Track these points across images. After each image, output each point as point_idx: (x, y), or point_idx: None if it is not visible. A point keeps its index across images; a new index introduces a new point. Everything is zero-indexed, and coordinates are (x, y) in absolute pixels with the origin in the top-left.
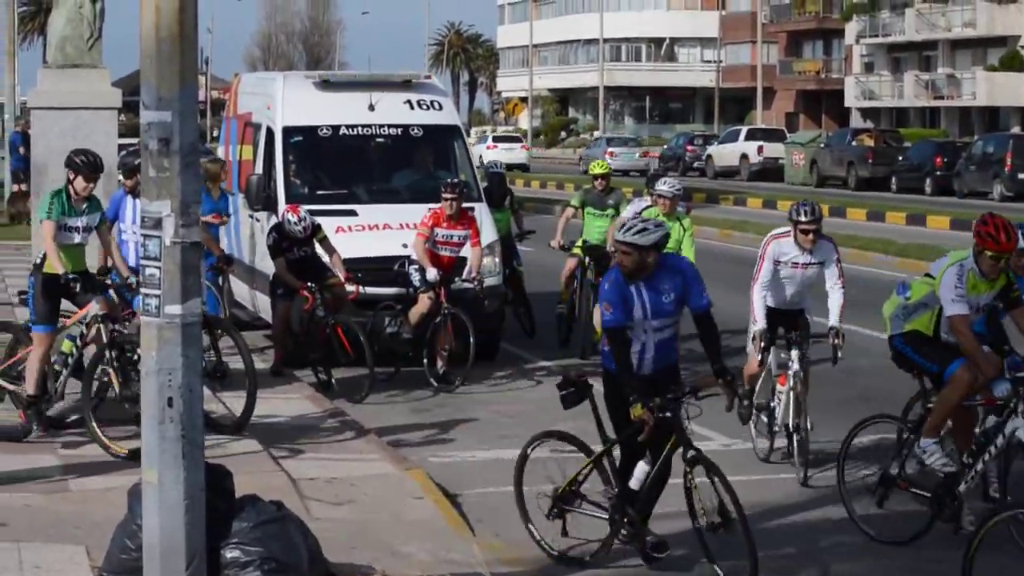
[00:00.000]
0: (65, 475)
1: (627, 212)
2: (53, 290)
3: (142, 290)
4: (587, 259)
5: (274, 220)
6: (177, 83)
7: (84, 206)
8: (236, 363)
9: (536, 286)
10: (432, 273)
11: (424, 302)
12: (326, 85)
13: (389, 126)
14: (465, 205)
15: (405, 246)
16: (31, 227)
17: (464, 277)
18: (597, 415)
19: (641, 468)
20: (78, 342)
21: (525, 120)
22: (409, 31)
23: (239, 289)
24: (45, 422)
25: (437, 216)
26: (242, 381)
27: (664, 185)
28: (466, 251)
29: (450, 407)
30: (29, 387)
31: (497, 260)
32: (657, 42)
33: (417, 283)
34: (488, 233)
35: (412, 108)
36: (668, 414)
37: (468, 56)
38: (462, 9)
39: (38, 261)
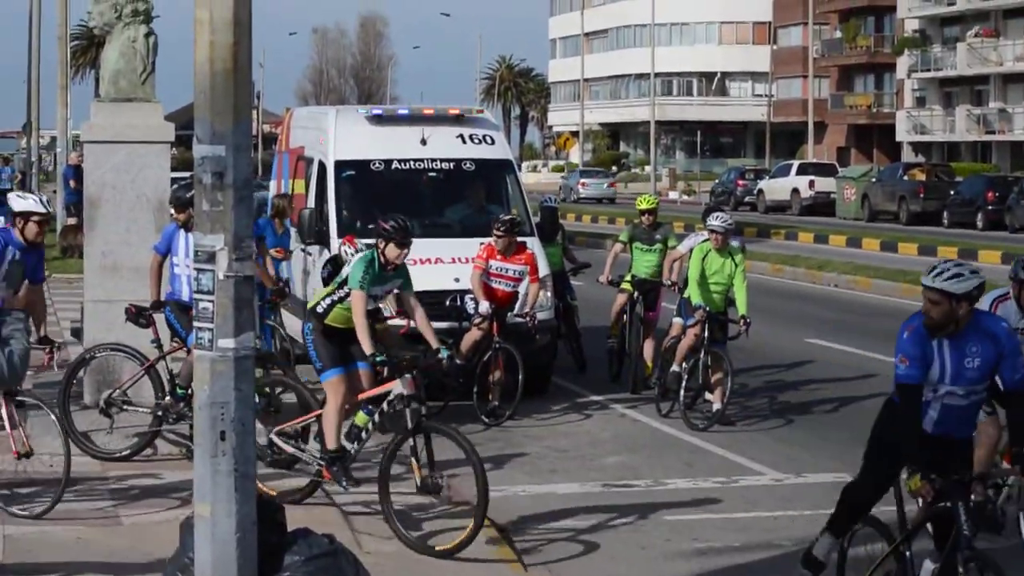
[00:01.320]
0: (117, 509)
1: (682, 247)
2: (331, 333)
3: (195, 324)
4: (636, 294)
5: (326, 254)
6: (231, 117)
7: (391, 273)
8: (288, 397)
9: (587, 320)
10: (485, 306)
11: (476, 331)
12: (378, 119)
13: (441, 160)
14: (518, 239)
15: (457, 280)
16: (83, 260)
17: (517, 312)
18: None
19: (926, 568)
20: (375, 417)
21: (576, 154)
22: (460, 65)
23: (291, 323)
24: (353, 478)
25: (492, 249)
26: (294, 415)
27: (716, 220)
28: (522, 285)
29: (501, 441)
30: (330, 442)
31: (549, 295)
32: (708, 76)
33: (472, 312)
34: (541, 267)
35: (464, 142)
36: (949, 502)
37: (519, 90)
38: (514, 43)
39: (319, 309)
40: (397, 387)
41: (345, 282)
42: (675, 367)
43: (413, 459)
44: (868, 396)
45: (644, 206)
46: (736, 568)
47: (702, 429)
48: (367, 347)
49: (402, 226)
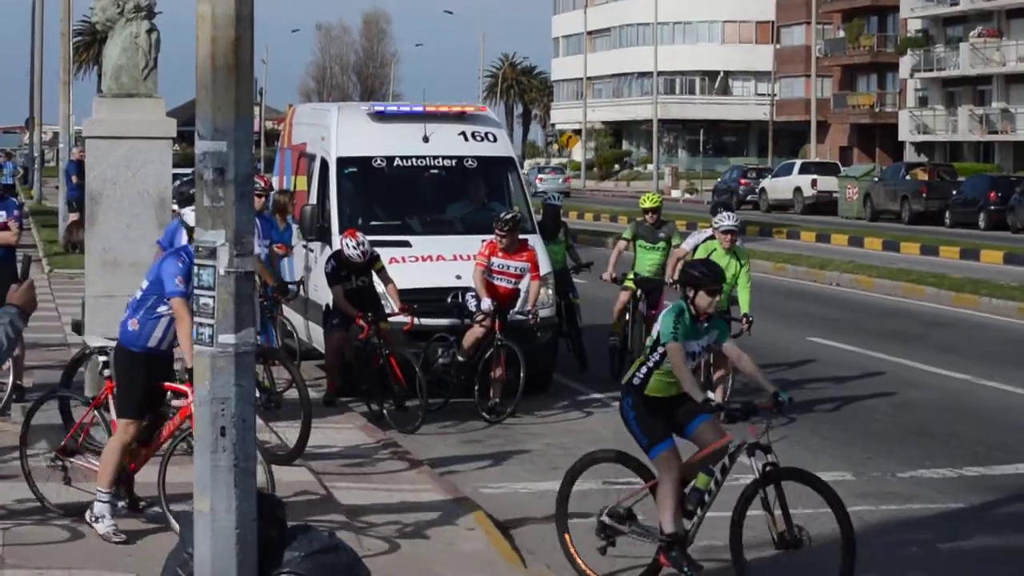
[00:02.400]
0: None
1: (686, 244)
2: (654, 404)
3: (196, 319)
4: (639, 291)
5: (328, 251)
6: (232, 113)
7: (705, 324)
8: (290, 393)
9: (589, 318)
10: (487, 303)
11: (478, 328)
12: (381, 116)
13: (443, 157)
14: (520, 237)
15: (459, 277)
16: (84, 256)
17: (518, 309)
18: None
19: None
20: (718, 476)
21: (579, 152)
22: (463, 63)
23: (292, 319)
24: (695, 562)
25: (494, 246)
26: (295, 411)
27: (726, 220)
28: (523, 283)
29: (502, 438)
30: (667, 524)
31: (550, 292)
32: (711, 75)
33: (473, 308)
34: (543, 265)
35: (466, 140)
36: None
37: (522, 88)
38: (517, 42)
39: (635, 382)
40: (734, 441)
41: (656, 345)
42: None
43: (767, 512)
44: (869, 395)
45: (648, 204)
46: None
47: None
48: (697, 396)
49: (712, 272)
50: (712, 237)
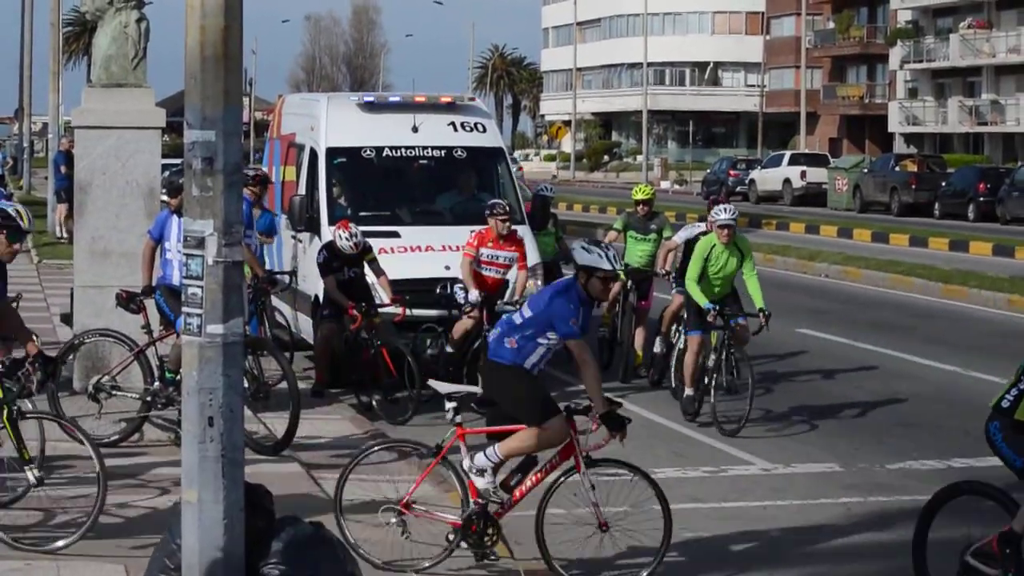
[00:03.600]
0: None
1: (677, 238)
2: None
3: (184, 309)
4: (629, 282)
5: (317, 241)
6: (221, 102)
7: None
8: (280, 384)
9: None
10: (475, 294)
11: (467, 320)
12: (370, 107)
13: (433, 148)
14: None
15: (448, 268)
16: (72, 246)
17: (506, 300)
18: None
19: None
20: None
21: (568, 143)
22: (453, 54)
23: (281, 310)
24: None
25: (483, 236)
26: (284, 402)
27: (723, 214)
28: (511, 273)
29: None
30: None
31: (539, 283)
32: (701, 66)
33: (461, 300)
34: (531, 255)
35: (456, 130)
36: None
37: (512, 79)
38: (506, 32)
39: (1004, 404)
40: None
41: None
42: (688, 391)
43: None
44: (858, 387)
45: (639, 196)
46: (726, 557)
47: (729, 433)
48: None
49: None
50: (708, 230)
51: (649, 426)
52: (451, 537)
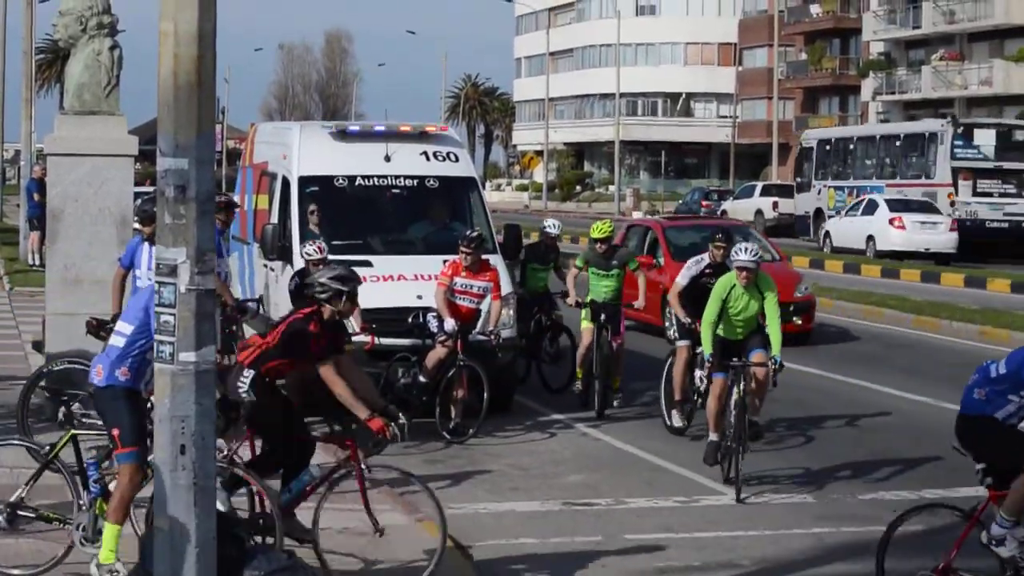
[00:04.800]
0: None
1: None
2: None
3: (156, 336)
4: (603, 316)
5: (289, 269)
6: (194, 130)
7: None
8: None
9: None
10: (451, 323)
11: (441, 349)
12: (342, 135)
13: (405, 177)
14: (482, 256)
15: (420, 297)
16: (45, 274)
17: (480, 329)
18: None
19: None
20: None
21: (540, 173)
22: (425, 83)
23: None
24: None
25: (457, 266)
26: None
27: (744, 254)
28: (485, 303)
29: (463, 459)
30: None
31: (511, 312)
32: (673, 97)
33: (435, 330)
34: (504, 285)
35: (428, 159)
36: None
37: (484, 109)
38: (479, 62)
39: None
40: None
41: None
42: (712, 436)
43: None
44: (830, 417)
45: (597, 235)
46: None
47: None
48: None
49: None
50: (713, 261)
51: (621, 456)
52: None
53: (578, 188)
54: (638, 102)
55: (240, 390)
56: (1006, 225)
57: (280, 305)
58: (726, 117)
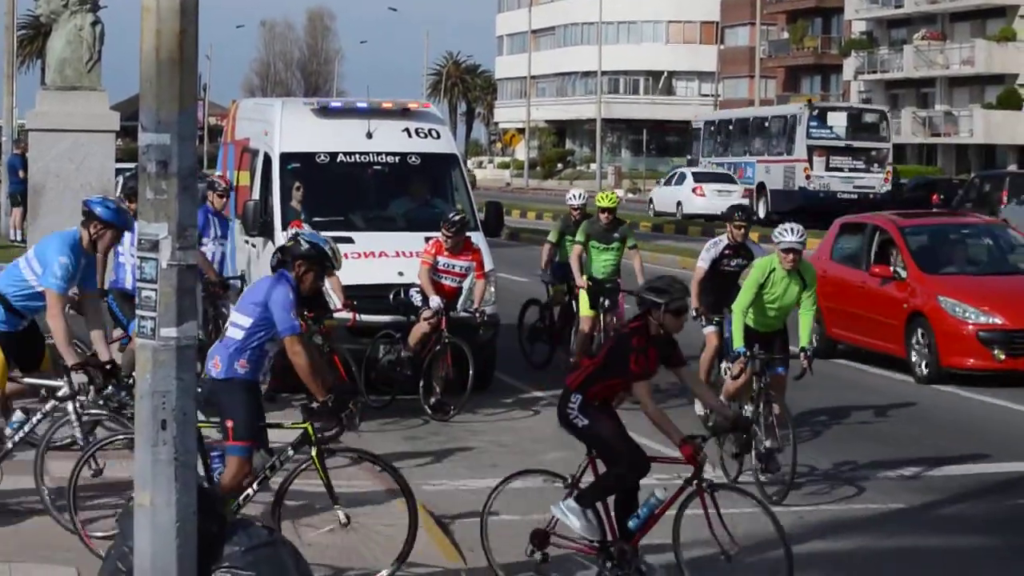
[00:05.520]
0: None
1: (703, 261)
2: None
3: (138, 312)
4: (603, 300)
5: (271, 246)
6: (176, 106)
7: None
8: None
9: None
10: (436, 301)
11: (424, 325)
12: (324, 112)
13: (387, 154)
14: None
15: (401, 274)
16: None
17: (463, 306)
18: None
19: None
20: None
21: (522, 151)
22: (407, 61)
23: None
24: None
25: (439, 245)
26: None
27: (790, 234)
28: (468, 281)
29: (444, 435)
30: None
31: (493, 289)
32: (655, 75)
33: (419, 304)
34: (487, 262)
35: (410, 136)
36: None
37: (466, 86)
38: (461, 40)
39: None
40: None
41: None
42: (744, 407)
43: None
44: (811, 397)
45: (604, 204)
46: (672, 561)
47: (775, 500)
48: None
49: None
50: (732, 242)
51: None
52: None
53: (559, 166)
54: (620, 80)
55: (570, 416)
56: (855, 196)
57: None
58: (708, 95)
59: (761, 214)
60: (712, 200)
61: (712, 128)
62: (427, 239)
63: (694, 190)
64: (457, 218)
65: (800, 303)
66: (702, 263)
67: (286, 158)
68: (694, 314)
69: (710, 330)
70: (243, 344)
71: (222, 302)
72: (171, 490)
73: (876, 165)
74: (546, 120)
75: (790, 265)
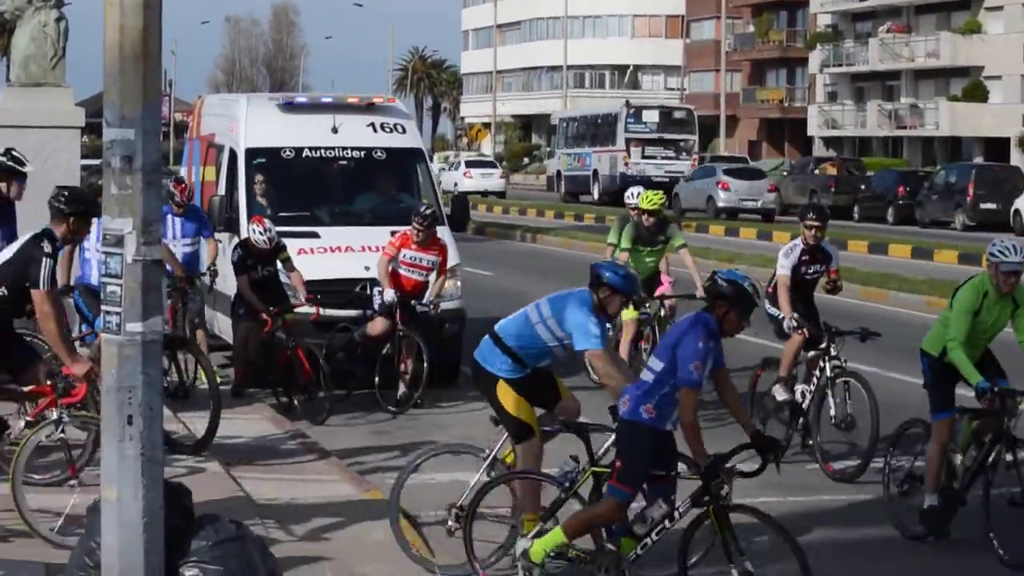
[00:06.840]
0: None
1: (782, 268)
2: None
3: (103, 307)
4: (649, 307)
5: (236, 240)
6: (140, 101)
7: None
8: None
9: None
10: (390, 294)
11: (378, 323)
12: (290, 107)
13: (352, 149)
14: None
15: (367, 268)
16: None
17: (424, 300)
18: None
19: None
20: None
21: (488, 146)
22: (373, 56)
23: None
24: None
25: (406, 239)
26: (204, 401)
27: (1014, 254)
28: (433, 276)
29: (410, 429)
30: None
31: (458, 284)
32: (621, 69)
33: (377, 304)
34: (452, 257)
35: (375, 131)
36: None
37: (432, 81)
38: (426, 35)
39: None
40: None
41: None
42: (931, 498)
43: None
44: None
45: (647, 206)
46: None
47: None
48: None
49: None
50: (809, 254)
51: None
52: None
53: (525, 160)
54: (585, 74)
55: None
56: (667, 179)
57: (227, 277)
58: (674, 89)
59: (595, 195)
60: (478, 181)
61: (566, 124)
62: (392, 233)
63: (464, 174)
64: (428, 211)
65: (1016, 328)
66: (783, 270)
67: (251, 153)
68: (794, 324)
69: (797, 332)
70: (652, 388)
71: (191, 297)
72: (138, 485)
73: (684, 154)
74: (512, 115)
75: (1009, 288)
